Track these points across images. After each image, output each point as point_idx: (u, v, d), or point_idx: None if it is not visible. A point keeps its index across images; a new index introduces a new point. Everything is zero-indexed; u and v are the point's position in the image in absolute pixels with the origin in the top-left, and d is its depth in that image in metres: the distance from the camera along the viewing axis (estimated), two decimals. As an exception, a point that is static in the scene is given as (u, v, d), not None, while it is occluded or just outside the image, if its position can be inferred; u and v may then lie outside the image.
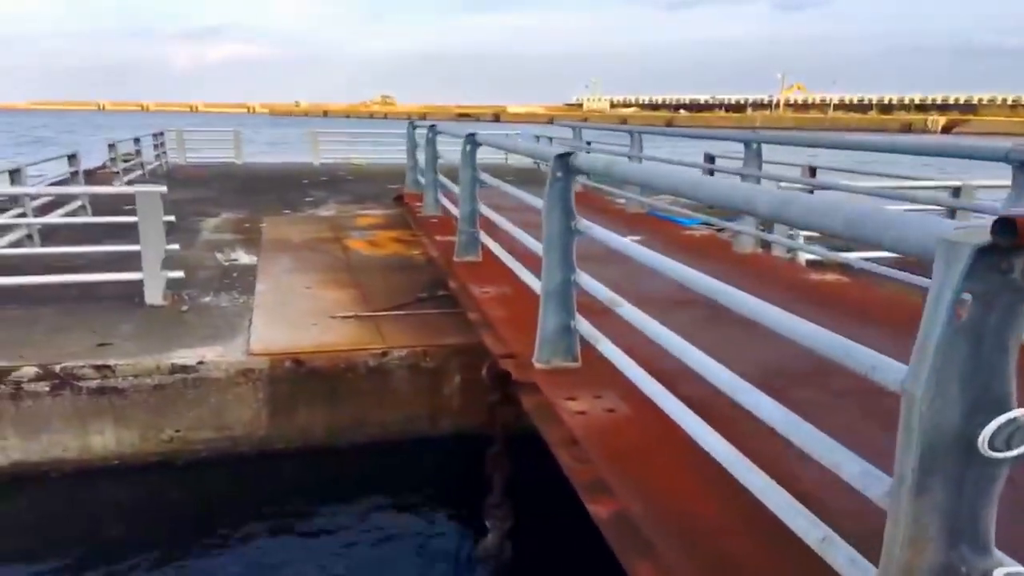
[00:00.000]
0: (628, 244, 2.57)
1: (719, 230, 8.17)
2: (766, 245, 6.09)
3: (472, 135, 5.12)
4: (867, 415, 2.71)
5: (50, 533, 4.07)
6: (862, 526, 1.57)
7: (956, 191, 6.52)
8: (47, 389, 4.33)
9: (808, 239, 6.01)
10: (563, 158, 2.88)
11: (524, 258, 4.37)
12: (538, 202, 3.84)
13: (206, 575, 3.80)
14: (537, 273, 3.98)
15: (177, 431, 4.53)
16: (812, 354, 1.62)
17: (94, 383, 4.37)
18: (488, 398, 3.46)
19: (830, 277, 4.79)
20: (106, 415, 4.42)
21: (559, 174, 2.91)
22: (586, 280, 2.93)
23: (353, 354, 4.66)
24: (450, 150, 7.92)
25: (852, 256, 4.78)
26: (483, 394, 4.76)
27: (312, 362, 4.61)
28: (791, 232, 6.35)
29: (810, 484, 1.97)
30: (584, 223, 2.90)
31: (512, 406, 3.41)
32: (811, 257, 6.33)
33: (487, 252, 5.30)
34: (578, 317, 3.06)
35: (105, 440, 4.46)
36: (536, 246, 3.84)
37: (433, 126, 7.39)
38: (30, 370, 4.32)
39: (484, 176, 5.11)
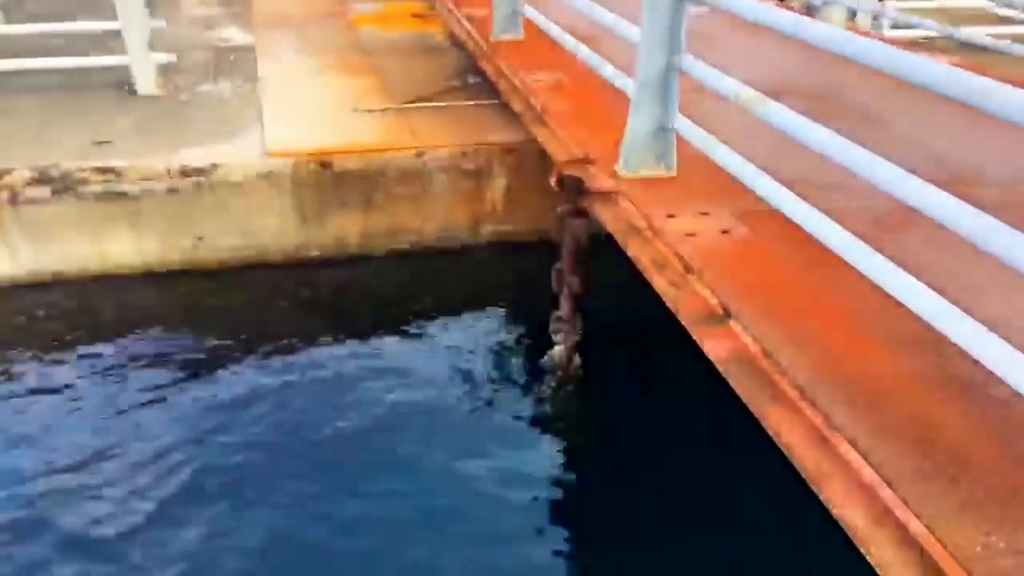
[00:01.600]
0: (770, 9, 1.95)
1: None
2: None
3: None
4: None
5: (75, 335, 3.84)
6: None
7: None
8: (47, 194, 3.87)
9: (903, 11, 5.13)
10: None
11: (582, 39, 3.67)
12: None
13: (245, 382, 3.64)
14: (603, 56, 3.33)
15: (200, 238, 4.16)
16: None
17: (99, 187, 3.90)
18: (557, 209, 3.01)
19: (951, 59, 4.07)
20: (119, 222, 4.02)
21: (674, -81, 2.16)
22: (699, 68, 2.32)
23: (386, 155, 4.13)
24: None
25: (972, 31, 4.00)
26: (530, 199, 4.36)
27: (341, 164, 4.09)
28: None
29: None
30: (704, -10, 2.23)
31: (585, 219, 2.99)
32: (895, 33, 5.51)
33: (531, 30, 4.51)
34: (679, 116, 2.51)
35: (122, 247, 4.10)
36: (604, 18, 3.14)
37: None
38: (23, 174, 3.83)
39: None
